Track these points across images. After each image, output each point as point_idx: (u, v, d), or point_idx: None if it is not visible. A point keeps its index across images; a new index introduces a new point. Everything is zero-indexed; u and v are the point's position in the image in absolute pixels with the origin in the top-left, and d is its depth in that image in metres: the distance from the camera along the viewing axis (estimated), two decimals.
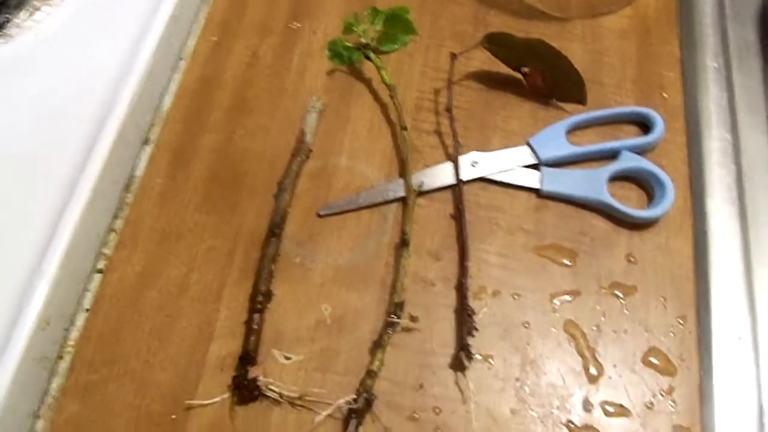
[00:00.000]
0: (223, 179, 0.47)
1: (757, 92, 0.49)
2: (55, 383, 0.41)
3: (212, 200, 0.46)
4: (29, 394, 0.40)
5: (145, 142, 0.50)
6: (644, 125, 0.48)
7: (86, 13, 0.52)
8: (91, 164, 0.44)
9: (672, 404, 0.39)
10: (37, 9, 0.52)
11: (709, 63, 0.51)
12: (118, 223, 0.46)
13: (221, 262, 0.44)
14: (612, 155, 0.46)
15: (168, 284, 0.43)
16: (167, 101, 0.51)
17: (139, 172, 0.48)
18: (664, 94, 0.50)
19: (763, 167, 0.46)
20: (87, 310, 0.43)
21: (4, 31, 0.51)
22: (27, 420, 0.39)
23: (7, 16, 0.51)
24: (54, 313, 0.41)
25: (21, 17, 0.51)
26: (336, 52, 0.52)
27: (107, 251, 0.45)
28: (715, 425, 0.38)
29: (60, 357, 0.41)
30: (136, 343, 0.41)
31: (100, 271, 0.44)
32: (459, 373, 0.40)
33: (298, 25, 0.54)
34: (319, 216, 0.45)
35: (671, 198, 0.43)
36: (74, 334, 0.42)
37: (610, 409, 0.39)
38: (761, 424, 0.38)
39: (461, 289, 0.42)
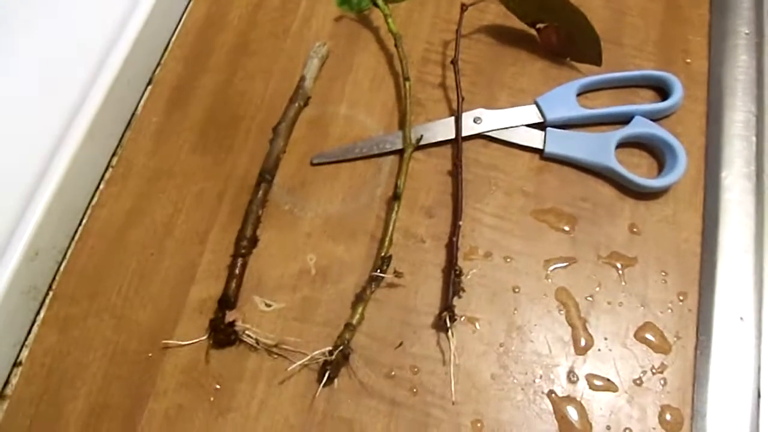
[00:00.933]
0: (219, 121, 0.46)
1: None
2: (44, 314, 0.40)
3: (207, 142, 0.45)
4: (16, 324, 0.39)
5: (150, 82, 0.48)
6: (662, 91, 0.45)
7: None
8: (91, 98, 0.44)
9: (662, 382, 0.37)
10: None
11: (741, 29, 0.47)
12: (116, 161, 0.45)
13: (210, 205, 0.43)
14: (624, 120, 0.43)
15: (155, 223, 0.43)
16: (173, 41, 0.50)
17: (141, 111, 0.47)
18: (688, 60, 0.47)
19: None
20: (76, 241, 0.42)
21: None
22: (13, 349, 0.39)
23: None
24: (44, 244, 0.40)
25: None
26: None
27: (103, 187, 0.44)
28: (707, 408, 0.36)
29: (50, 288, 0.41)
30: (118, 279, 0.41)
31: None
32: (441, 334, 0.38)
33: None
34: (313, 164, 0.44)
35: (683, 168, 0.41)
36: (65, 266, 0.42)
37: (597, 382, 0.37)
38: (757, 409, 0.36)
39: (451, 248, 0.40)
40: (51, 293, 0.41)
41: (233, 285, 0.39)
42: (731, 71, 0.46)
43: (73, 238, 0.43)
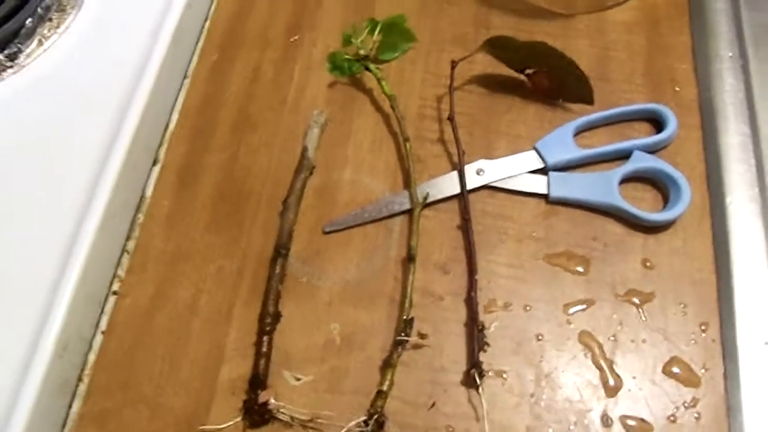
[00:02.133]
0: (228, 198, 0.47)
1: None
2: (76, 407, 0.41)
3: (219, 220, 0.46)
4: (50, 422, 0.40)
5: (155, 162, 0.50)
6: (656, 122, 0.46)
7: (92, 37, 0.53)
8: (101, 186, 0.45)
9: (696, 416, 0.37)
10: (46, 38, 0.52)
11: (724, 52, 0.48)
12: (131, 245, 0.46)
13: (230, 283, 0.44)
14: (623, 156, 0.44)
15: (178, 307, 0.43)
16: (174, 121, 0.51)
17: (149, 192, 0.48)
18: (677, 88, 0.48)
19: None
20: (103, 332, 0.43)
21: (16, 61, 0.51)
22: None
23: (19, 45, 0.52)
24: (72, 337, 0.41)
25: (31, 47, 0.52)
26: (336, 64, 0.51)
27: (121, 273, 0.45)
28: None
29: (80, 380, 0.42)
30: (149, 367, 0.41)
31: (115, 293, 0.44)
32: (472, 390, 0.39)
33: (297, 38, 0.54)
34: (325, 233, 0.45)
35: (688, 198, 0.41)
36: (92, 357, 0.42)
37: (631, 423, 0.37)
38: None
39: (470, 303, 0.41)
40: (84, 387, 0.41)
41: (262, 364, 0.40)
42: (720, 95, 0.47)
43: (97, 327, 0.44)
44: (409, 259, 0.42)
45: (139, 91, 0.49)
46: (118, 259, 0.46)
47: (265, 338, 0.41)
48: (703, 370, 0.38)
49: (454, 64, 0.46)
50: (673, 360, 0.39)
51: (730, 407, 0.37)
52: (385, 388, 0.38)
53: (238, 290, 0.44)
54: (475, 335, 0.39)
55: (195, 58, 0.54)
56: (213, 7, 0.57)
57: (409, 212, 0.44)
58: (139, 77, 0.49)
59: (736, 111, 0.46)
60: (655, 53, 0.49)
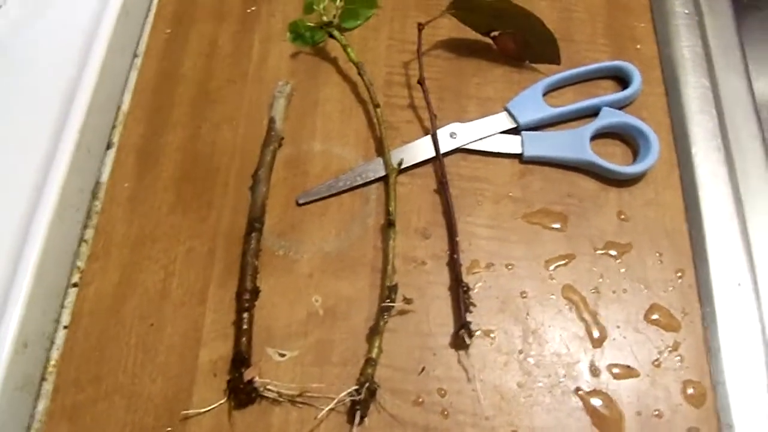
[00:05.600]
0: (194, 177, 0.45)
1: (730, 34, 0.48)
2: (41, 406, 0.39)
3: (185, 200, 0.44)
4: (15, 421, 0.38)
5: (109, 146, 0.47)
6: (621, 79, 0.47)
7: (31, 20, 0.50)
8: (52, 176, 0.42)
9: (679, 360, 0.38)
10: None
11: (679, 9, 0.49)
12: (89, 233, 0.44)
13: (202, 263, 0.42)
14: (592, 113, 0.45)
15: (148, 292, 0.41)
16: (127, 101, 0.49)
17: (105, 177, 0.46)
18: (638, 46, 0.49)
19: (744, 109, 0.45)
20: (65, 327, 0.41)
21: None
22: None
23: None
24: (31, 333, 0.39)
25: None
26: (298, 33, 0.50)
27: (81, 264, 0.43)
28: (725, 375, 0.37)
29: (44, 378, 0.40)
30: (121, 357, 0.40)
31: (75, 285, 0.42)
32: (461, 352, 0.38)
33: (255, 9, 0.52)
34: (299, 204, 0.44)
35: (657, 151, 0.42)
36: (55, 353, 0.40)
37: (618, 371, 0.38)
38: None
39: (454, 266, 0.40)
40: (51, 384, 0.39)
41: (244, 341, 0.39)
42: (680, 51, 0.48)
43: (58, 322, 0.41)
44: (389, 224, 0.41)
45: (86, 73, 0.46)
46: (76, 250, 0.43)
47: (245, 315, 0.39)
48: (682, 315, 0.39)
49: (421, 27, 0.46)
50: (654, 307, 0.39)
51: (710, 348, 0.38)
52: (373, 355, 0.38)
53: (210, 271, 0.42)
54: (461, 296, 0.39)
55: (146, 35, 0.52)
56: None
57: (384, 179, 0.44)
58: (85, 58, 0.47)
59: (695, 65, 0.47)
60: (614, 13, 0.50)
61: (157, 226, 0.44)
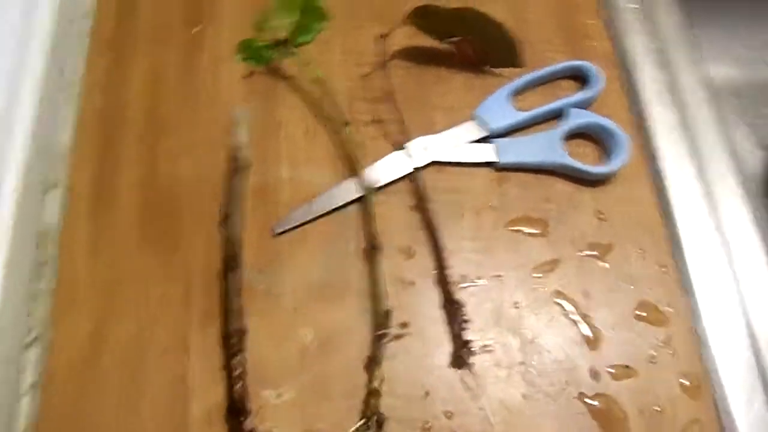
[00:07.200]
0: (156, 214, 0.43)
1: (679, 24, 0.49)
2: None
3: (150, 240, 0.42)
4: None
5: (53, 186, 0.44)
6: (581, 78, 0.47)
7: None
8: None
9: (671, 353, 0.39)
10: None
11: (628, 5, 0.50)
12: (43, 286, 0.40)
13: (178, 308, 0.40)
14: (558, 115, 0.45)
15: (122, 344, 0.39)
16: (70, 140, 0.45)
17: (52, 221, 0.42)
18: (594, 43, 0.49)
19: (701, 99, 0.46)
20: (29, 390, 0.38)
21: None
22: None
23: None
24: None
25: None
26: (249, 53, 0.47)
27: (34, 325, 0.39)
28: (716, 363, 0.38)
29: None
30: (103, 418, 0.37)
31: (31, 344, 0.39)
32: (462, 371, 0.38)
33: (200, 28, 0.49)
34: (276, 235, 0.42)
35: (628, 149, 0.43)
36: (23, 422, 0.37)
37: (617, 372, 0.38)
38: (757, 351, 0.39)
39: (443, 283, 0.40)
40: None
41: (239, 388, 0.37)
42: (632, 46, 0.49)
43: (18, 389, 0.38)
44: (373, 247, 0.40)
45: (18, 116, 0.43)
46: (28, 308, 0.40)
47: (237, 358, 0.37)
48: (669, 309, 0.40)
49: (384, 36, 0.44)
50: (642, 304, 0.40)
51: (699, 339, 0.39)
52: (376, 385, 0.37)
53: (189, 314, 0.40)
54: (455, 314, 0.38)
55: (81, 67, 0.48)
56: (92, 4, 0.50)
57: (360, 200, 0.42)
58: (13, 99, 0.43)
59: (649, 59, 0.48)
60: (565, 11, 0.50)
61: (123, 273, 0.41)
